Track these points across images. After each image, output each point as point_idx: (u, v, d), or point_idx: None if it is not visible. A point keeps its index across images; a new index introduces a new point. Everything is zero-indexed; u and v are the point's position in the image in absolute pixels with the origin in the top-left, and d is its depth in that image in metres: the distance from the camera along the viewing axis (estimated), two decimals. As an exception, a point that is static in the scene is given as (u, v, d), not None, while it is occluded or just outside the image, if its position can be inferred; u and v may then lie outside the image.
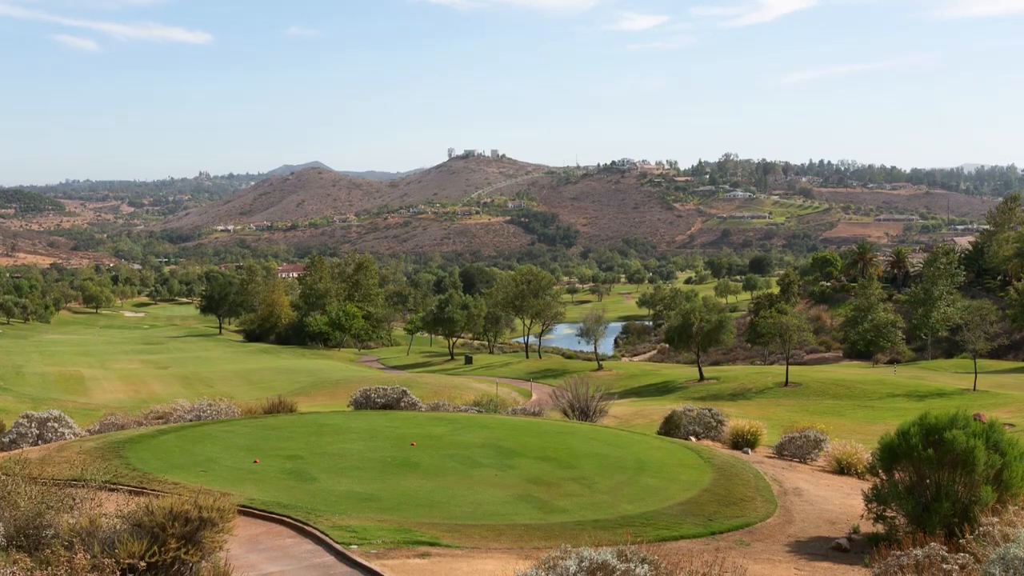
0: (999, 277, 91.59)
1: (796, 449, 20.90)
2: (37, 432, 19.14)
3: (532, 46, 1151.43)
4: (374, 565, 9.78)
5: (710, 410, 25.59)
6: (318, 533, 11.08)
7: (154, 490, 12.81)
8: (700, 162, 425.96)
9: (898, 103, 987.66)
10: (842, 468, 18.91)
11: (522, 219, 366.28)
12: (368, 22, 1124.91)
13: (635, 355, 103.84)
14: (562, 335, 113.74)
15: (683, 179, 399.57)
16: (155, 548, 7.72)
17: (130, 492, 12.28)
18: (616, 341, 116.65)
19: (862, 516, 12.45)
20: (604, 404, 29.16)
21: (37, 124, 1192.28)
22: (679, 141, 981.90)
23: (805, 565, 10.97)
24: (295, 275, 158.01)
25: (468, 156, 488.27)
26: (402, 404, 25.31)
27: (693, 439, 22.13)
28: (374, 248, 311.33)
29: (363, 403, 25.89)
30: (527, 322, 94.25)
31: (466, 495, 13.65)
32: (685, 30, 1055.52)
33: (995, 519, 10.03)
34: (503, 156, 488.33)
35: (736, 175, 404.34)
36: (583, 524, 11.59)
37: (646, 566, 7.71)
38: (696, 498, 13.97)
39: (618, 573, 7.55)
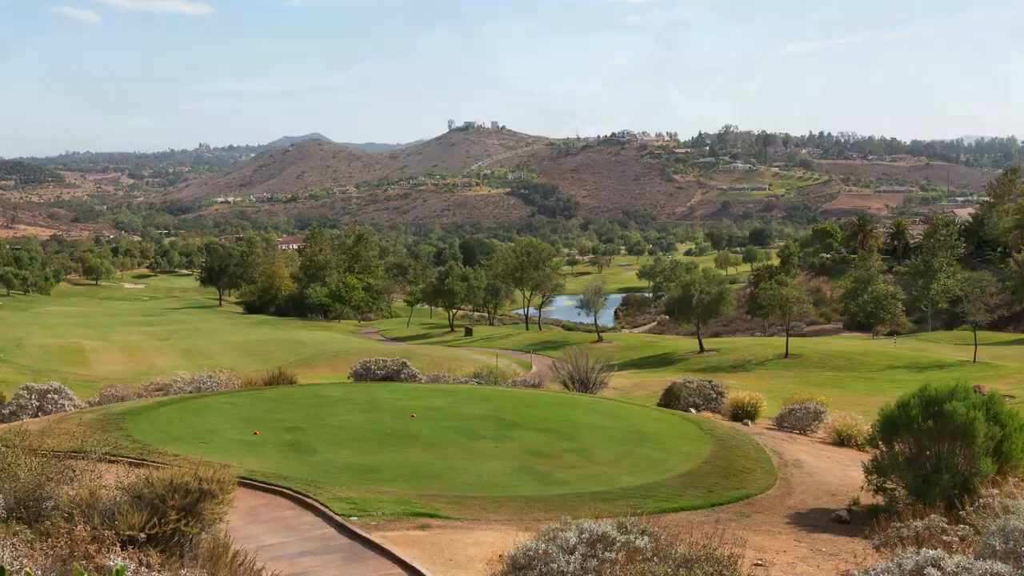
0: (999, 249, 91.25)
1: (796, 421, 20.99)
2: (37, 404, 19.17)
3: (532, 15, 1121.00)
4: (374, 537, 9.80)
5: (710, 382, 25.66)
6: (318, 505, 11.10)
7: (154, 462, 12.83)
8: (700, 134, 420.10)
9: (898, 75, 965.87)
10: (842, 440, 19.00)
11: (522, 191, 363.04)
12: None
13: (635, 327, 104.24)
14: (562, 307, 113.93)
15: (683, 151, 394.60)
16: (155, 520, 7.69)
17: (130, 464, 12.28)
18: (616, 313, 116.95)
19: (862, 488, 12.49)
20: (604, 376, 29.24)
21: (38, 96, 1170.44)
22: (679, 113, 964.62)
23: (805, 536, 11.03)
24: (295, 247, 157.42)
25: (468, 128, 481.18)
26: (402, 376, 25.34)
27: (693, 411, 22.22)
28: (374, 220, 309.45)
29: (363, 375, 25.92)
30: (527, 294, 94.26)
31: (466, 467, 13.69)
32: (684, 1, 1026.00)
33: (995, 491, 10.03)
34: (503, 128, 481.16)
35: (736, 147, 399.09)
36: (583, 496, 11.62)
37: (646, 537, 7.69)
38: (696, 470, 14.02)
39: (618, 544, 7.53)
